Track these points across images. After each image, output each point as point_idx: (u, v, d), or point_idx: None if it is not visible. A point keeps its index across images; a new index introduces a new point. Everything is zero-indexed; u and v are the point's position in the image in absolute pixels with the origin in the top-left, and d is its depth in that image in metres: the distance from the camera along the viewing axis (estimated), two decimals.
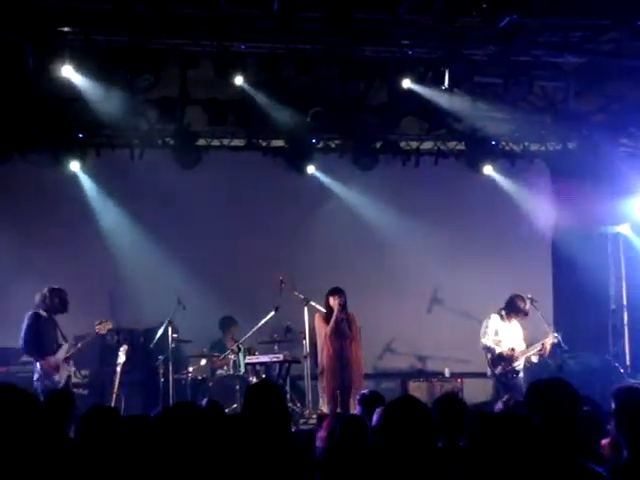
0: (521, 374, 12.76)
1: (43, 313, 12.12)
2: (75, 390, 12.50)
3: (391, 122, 14.80)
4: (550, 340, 12.86)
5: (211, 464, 5.11)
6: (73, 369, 12.33)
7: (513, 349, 12.88)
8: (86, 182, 14.50)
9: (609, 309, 15.85)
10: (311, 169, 15.26)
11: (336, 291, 12.86)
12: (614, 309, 15.88)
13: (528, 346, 13.04)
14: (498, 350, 12.82)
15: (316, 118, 14.06)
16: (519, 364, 12.83)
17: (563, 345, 12.88)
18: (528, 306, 12.87)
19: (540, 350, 12.89)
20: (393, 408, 4.58)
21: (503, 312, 12.94)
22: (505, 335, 12.94)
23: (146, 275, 14.28)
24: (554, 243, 16.16)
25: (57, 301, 12.15)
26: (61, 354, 12.05)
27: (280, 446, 5.64)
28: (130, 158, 14.72)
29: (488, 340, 12.87)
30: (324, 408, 12.72)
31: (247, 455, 5.41)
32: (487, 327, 12.94)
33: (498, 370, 12.85)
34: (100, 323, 12.38)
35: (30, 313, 12.10)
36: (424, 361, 15.52)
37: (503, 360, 12.83)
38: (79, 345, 12.31)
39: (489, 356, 12.90)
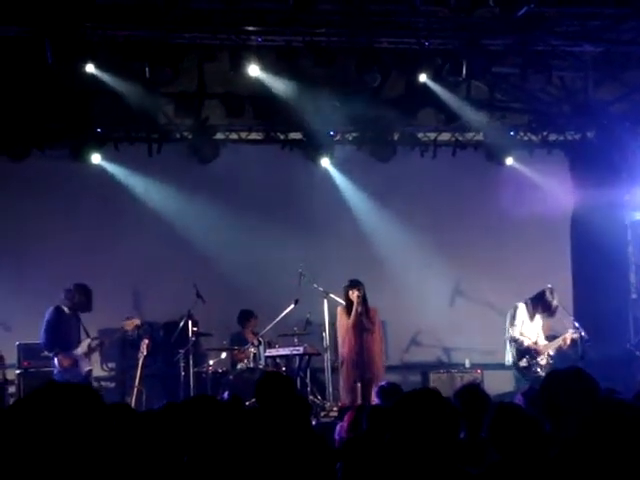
0: (545, 369, 12.69)
1: (65, 308, 12.18)
2: (102, 383, 12.60)
3: (408, 113, 14.79)
4: (570, 335, 12.83)
5: (229, 456, 5.12)
6: (89, 367, 12.29)
7: (536, 342, 12.85)
8: (108, 176, 14.49)
9: (629, 298, 15.80)
10: (328, 161, 15.25)
11: (355, 284, 12.85)
12: (635, 298, 15.82)
13: (548, 339, 13.02)
14: (526, 343, 12.76)
15: (333, 110, 14.06)
16: (543, 358, 12.79)
17: (584, 335, 12.85)
18: (556, 303, 12.80)
19: (561, 345, 12.87)
20: (412, 400, 4.58)
21: (530, 303, 12.87)
22: (529, 328, 12.90)
23: (166, 269, 14.32)
24: (573, 232, 16.10)
25: (82, 298, 12.20)
26: (80, 349, 12.10)
27: (298, 437, 5.65)
28: (148, 152, 14.74)
29: (516, 332, 12.79)
30: (344, 400, 12.75)
31: (265, 447, 5.43)
32: (515, 318, 12.84)
33: (523, 363, 12.80)
34: (128, 319, 12.42)
35: (52, 307, 12.16)
36: (447, 353, 15.49)
37: (528, 353, 12.78)
38: (100, 341, 12.34)
39: (515, 348, 12.85)
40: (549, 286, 12.86)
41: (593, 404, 4.86)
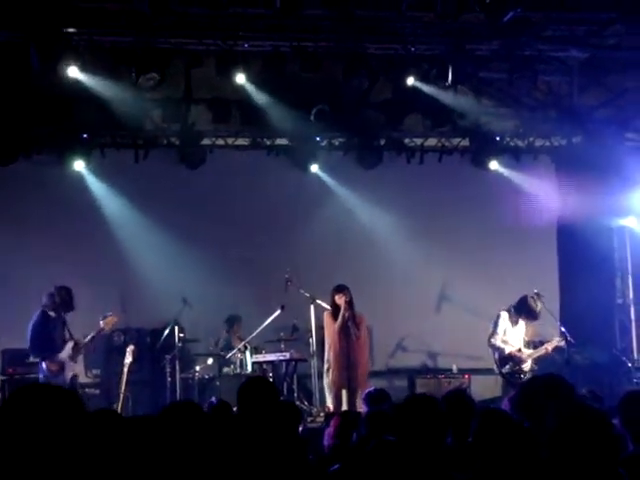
0: (529, 374, 12.70)
1: (50, 312, 12.14)
2: (86, 390, 12.54)
3: (395, 119, 14.79)
4: (554, 343, 12.87)
5: (212, 463, 5.10)
6: (78, 369, 12.26)
7: (520, 350, 12.86)
8: (92, 182, 14.48)
9: (615, 303, 15.84)
10: (315, 167, 15.25)
11: (341, 288, 12.84)
12: (620, 303, 15.86)
13: (535, 344, 13.04)
14: (507, 350, 12.78)
15: (320, 116, 14.05)
16: (527, 365, 12.80)
17: (570, 339, 12.88)
18: (539, 309, 12.81)
19: (545, 353, 12.89)
20: (407, 406, 4.59)
21: (513, 311, 12.89)
22: (512, 335, 12.91)
23: (152, 275, 14.29)
24: (560, 237, 16.13)
25: (65, 298, 12.14)
26: (65, 352, 12.06)
27: (282, 443, 5.63)
28: (135, 158, 14.71)
29: (497, 340, 12.82)
30: (329, 405, 12.74)
31: (249, 453, 5.41)
32: (497, 326, 12.87)
33: (506, 369, 12.83)
34: (104, 318, 12.32)
35: (37, 312, 12.12)
36: (432, 358, 15.51)
37: (511, 360, 12.80)
38: (86, 340, 12.27)
39: (496, 355, 12.88)
40: (535, 291, 12.88)
41: (567, 407, 4.90)
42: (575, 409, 4.35)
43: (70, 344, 12.15)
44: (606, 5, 11.68)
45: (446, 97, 13.70)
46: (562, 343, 12.82)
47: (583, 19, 12.23)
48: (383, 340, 14.84)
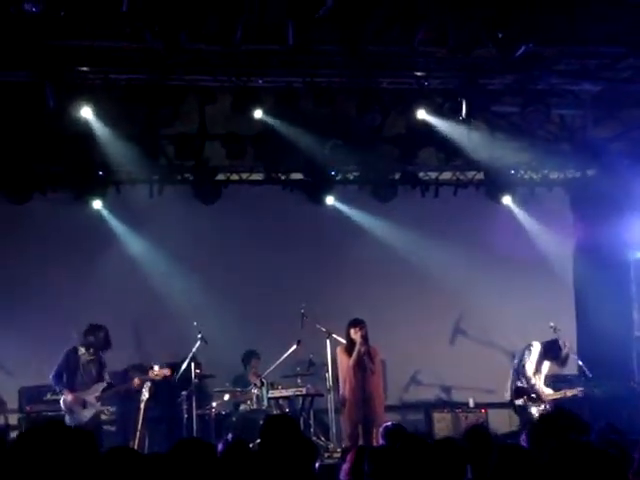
0: (538, 411, 12.63)
1: (81, 349, 12.22)
2: (104, 427, 12.60)
3: (409, 153, 14.82)
4: (573, 392, 12.83)
5: None
6: (97, 410, 12.31)
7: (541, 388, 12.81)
8: (108, 219, 14.53)
9: (633, 335, 15.75)
10: (330, 201, 15.29)
11: (357, 322, 12.81)
12: (638, 336, 15.78)
13: (549, 379, 13.00)
14: (536, 385, 12.71)
15: (334, 150, 14.10)
16: (541, 404, 12.70)
17: (587, 373, 12.82)
18: (565, 353, 12.78)
19: (561, 397, 12.84)
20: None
21: (543, 347, 12.83)
22: (540, 369, 12.90)
23: (168, 310, 14.30)
24: (575, 270, 16.09)
25: (100, 337, 12.26)
26: (91, 392, 12.13)
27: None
28: (150, 194, 14.77)
29: (530, 369, 12.76)
30: (346, 441, 12.68)
31: None
32: (530, 355, 12.80)
33: (519, 402, 12.76)
34: (151, 368, 12.61)
35: (68, 348, 12.23)
36: (448, 392, 15.45)
37: (528, 394, 12.71)
38: (124, 386, 12.63)
39: (519, 384, 12.79)
40: (551, 324, 12.94)
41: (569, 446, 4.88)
42: (574, 447, 4.32)
43: (99, 386, 12.22)
44: (617, 39, 11.70)
45: (460, 131, 13.73)
46: (580, 394, 12.77)
47: (595, 53, 12.25)
48: (397, 374, 14.78)
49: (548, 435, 5.01)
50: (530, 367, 12.77)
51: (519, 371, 12.84)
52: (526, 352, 12.87)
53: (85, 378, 12.21)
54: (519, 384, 12.80)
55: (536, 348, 12.82)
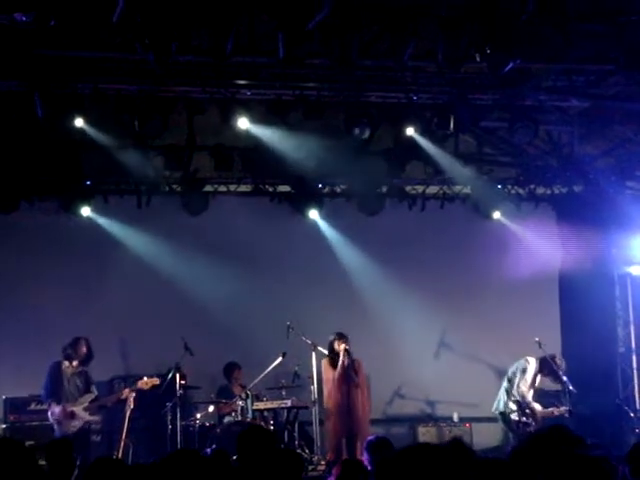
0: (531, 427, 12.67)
1: (65, 362, 12.25)
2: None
3: (397, 167, 14.84)
4: (561, 411, 12.87)
5: None
6: (85, 420, 12.32)
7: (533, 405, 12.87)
8: (96, 229, 14.50)
9: (617, 352, 15.80)
10: (317, 214, 15.29)
11: (340, 336, 12.86)
12: (622, 352, 15.83)
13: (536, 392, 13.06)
14: (532, 405, 12.76)
15: (322, 163, 14.12)
16: (533, 421, 12.74)
17: (572, 389, 12.86)
18: (562, 370, 12.84)
19: (549, 415, 12.88)
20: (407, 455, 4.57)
21: (538, 362, 12.88)
22: (531, 385, 12.95)
23: (153, 321, 14.30)
24: (561, 286, 16.13)
25: (81, 350, 12.33)
26: (78, 404, 12.16)
27: None
28: (137, 204, 14.77)
29: (526, 386, 12.81)
30: (329, 454, 12.68)
31: None
32: (526, 373, 12.87)
33: (514, 416, 12.80)
34: (140, 378, 12.67)
35: (52, 362, 12.28)
36: (433, 406, 15.45)
37: (522, 410, 12.75)
38: (110, 398, 12.78)
39: (514, 399, 12.83)
40: (536, 339, 12.96)
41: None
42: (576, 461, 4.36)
43: (89, 396, 12.24)
44: (605, 57, 11.77)
45: (447, 146, 13.82)
46: (565, 412, 12.81)
47: (583, 70, 12.32)
48: (381, 388, 14.78)
49: (543, 449, 5.01)
50: (525, 383, 12.82)
51: (514, 385, 12.89)
52: (522, 367, 12.92)
53: (72, 390, 12.25)
54: (513, 399, 12.85)
55: (532, 364, 12.88)
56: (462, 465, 6.16)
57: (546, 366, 12.90)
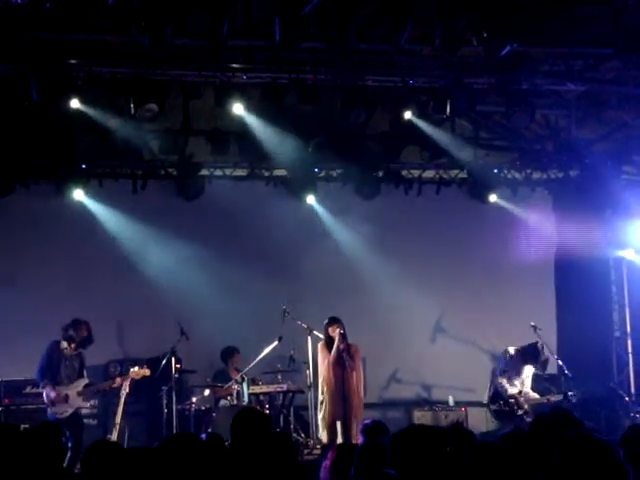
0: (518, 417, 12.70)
1: (63, 343, 12.20)
2: (84, 420, 12.63)
3: (393, 151, 14.85)
4: (555, 399, 12.85)
5: None
6: (80, 405, 12.33)
7: (520, 392, 12.85)
8: (91, 212, 14.47)
9: (613, 336, 15.82)
10: (313, 198, 15.27)
11: (334, 320, 12.82)
12: (618, 336, 15.85)
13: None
14: (510, 391, 12.78)
15: (318, 147, 14.10)
16: (521, 410, 12.75)
17: (567, 372, 12.88)
18: (544, 358, 12.83)
19: (543, 402, 12.89)
20: (404, 437, 4.57)
21: (520, 352, 12.88)
22: (519, 374, 12.94)
23: (149, 305, 14.29)
24: (557, 270, 16.13)
25: (81, 333, 12.29)
26: (74, 387, 12.15)
27: (279, 475, 5.61)
28: (133, 189, 14.74)
29: (504, 379, 12.84)
30: (323, 437, 12.68)
31: None
32: (505, 363, 12.92)
33: (494, 407, 12.86)
34: (132, 367, 12.65)
35: (50, 341, 12.21)
36: (429, 390, 15.46)
37: (506, 401, 12.78)
38: (103, 384, 12.74)
39: (493, 390, 12.89)
40: (532, 324, 12.98)
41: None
42: (583, 440, 4.35)
43: (82, 381, 12.24)
44: (602, 41, 11.75)
45: (444, 130, 13.79)
46: (560, 399, 12.81)
47: (580, 54, 12.29)
48: (377, 372, 14.78)
49: (546, 431, 5.02)
50: (505, 376, 12.86)
51: (495, 381, 12.95)
52: (501, 358, 12.97)
53: (68, 372, 12.22)
54: (493, 390, 12.91)
55: (511, 353, 12.89)
56: (462, 448, 6.18)
57: (527, 355, 12.89)
